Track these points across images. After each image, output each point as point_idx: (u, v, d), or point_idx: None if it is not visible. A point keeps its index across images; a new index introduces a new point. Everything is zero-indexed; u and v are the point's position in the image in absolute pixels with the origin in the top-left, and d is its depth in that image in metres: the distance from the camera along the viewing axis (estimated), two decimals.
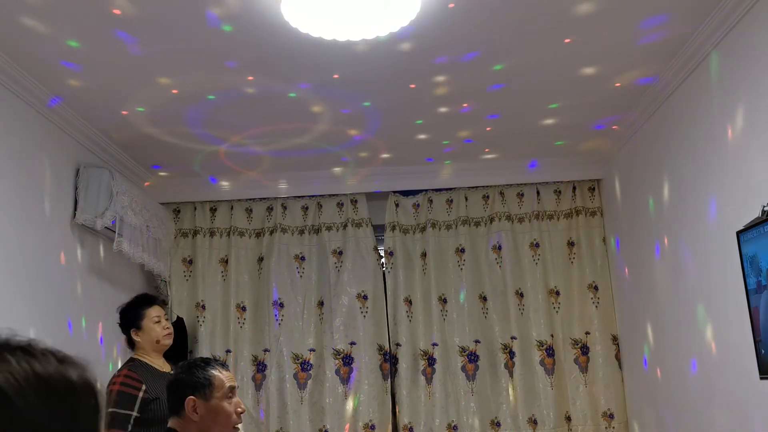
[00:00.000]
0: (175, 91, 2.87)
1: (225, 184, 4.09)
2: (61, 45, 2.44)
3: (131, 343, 3.10)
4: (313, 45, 2.48)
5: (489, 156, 3.93)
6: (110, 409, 2.91)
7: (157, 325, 3.06)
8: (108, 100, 2.95)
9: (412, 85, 2.91)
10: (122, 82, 2.78)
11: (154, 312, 3.09)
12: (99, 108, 3.02)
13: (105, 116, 3.11)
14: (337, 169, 4.03)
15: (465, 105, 3.16)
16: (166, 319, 3.17)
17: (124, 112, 3.07)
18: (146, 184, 3.95)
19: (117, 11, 2.23)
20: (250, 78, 2.78)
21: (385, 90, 2.96)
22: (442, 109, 3.20)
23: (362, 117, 3.25)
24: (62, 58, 2.53)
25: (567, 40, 2.57)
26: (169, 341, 3.12)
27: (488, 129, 3.49)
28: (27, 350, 0.68)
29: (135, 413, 2.86)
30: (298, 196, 4.16)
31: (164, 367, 2.96)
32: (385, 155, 3.83)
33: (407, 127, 3.42)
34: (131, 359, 3.05)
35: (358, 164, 3.96)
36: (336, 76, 2.78)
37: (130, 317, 3.09)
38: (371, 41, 2.47)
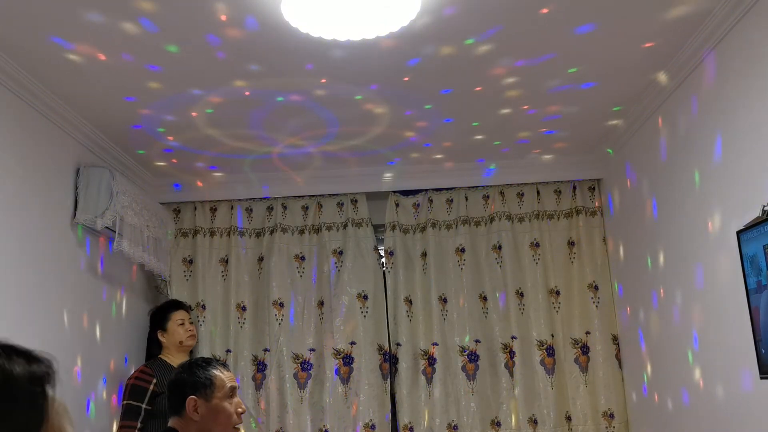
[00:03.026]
0: (174, 91, 2.87)
1: (225, 183, 4.09)
2: (62, 43, 2.44)
3: (158, 344, 3.45)
4: (313, 44, 2.48)
5: (489, 156, 3.92)
6: (125, 402, 3.22)
7: (180, 328, 3.45)
8: (108, 99, 2.94)
9: (406, 78, 2.91)
10: (121, 81, 2.78)
11: (178, 315, 3.48)
12: (99, 107, 3.01)
13: (105, 115, 3.11)
14: (337, 169, 4.03)
15: (468, 103, 3.16)
16: (191, 323, 3.55)
17: (125, 111, 3.07)
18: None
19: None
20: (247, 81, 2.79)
21: (384, 89, 2.96)
22: (444, 109, 3.20)
23: (363, 116, 3.25)
24: (62, 55, 2.53)
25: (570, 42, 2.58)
26: (191, 342, 3.50)
27: (490, 129, 3.49)
28: None
29: (145, 405, 3.13)
30: (298, 196, 4.16)
31: None
32: (386, 155, 3.83)
33: (407, 126, 3.42)
34: (155, 358, 3.42)
35: (359, 164, 3.96)
36: (333, 76, 2.79)
37: (157, 319, 3.48)
38: (372, 39, 2.47)
